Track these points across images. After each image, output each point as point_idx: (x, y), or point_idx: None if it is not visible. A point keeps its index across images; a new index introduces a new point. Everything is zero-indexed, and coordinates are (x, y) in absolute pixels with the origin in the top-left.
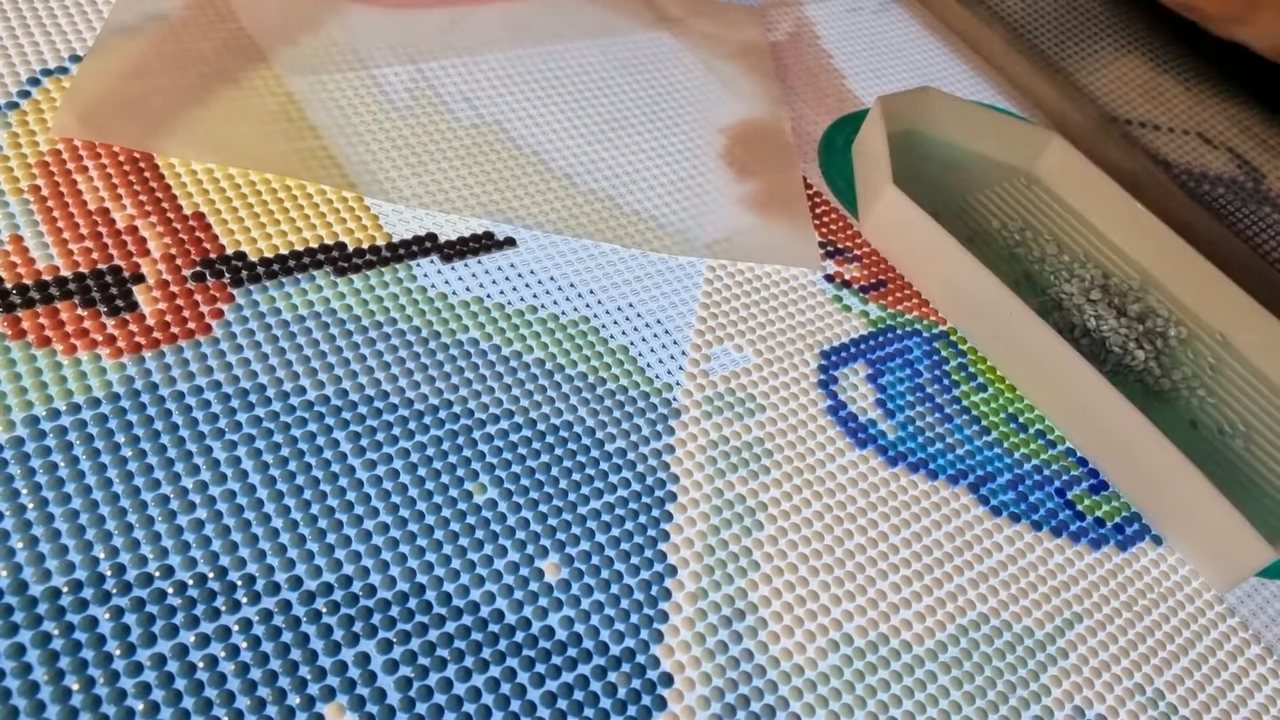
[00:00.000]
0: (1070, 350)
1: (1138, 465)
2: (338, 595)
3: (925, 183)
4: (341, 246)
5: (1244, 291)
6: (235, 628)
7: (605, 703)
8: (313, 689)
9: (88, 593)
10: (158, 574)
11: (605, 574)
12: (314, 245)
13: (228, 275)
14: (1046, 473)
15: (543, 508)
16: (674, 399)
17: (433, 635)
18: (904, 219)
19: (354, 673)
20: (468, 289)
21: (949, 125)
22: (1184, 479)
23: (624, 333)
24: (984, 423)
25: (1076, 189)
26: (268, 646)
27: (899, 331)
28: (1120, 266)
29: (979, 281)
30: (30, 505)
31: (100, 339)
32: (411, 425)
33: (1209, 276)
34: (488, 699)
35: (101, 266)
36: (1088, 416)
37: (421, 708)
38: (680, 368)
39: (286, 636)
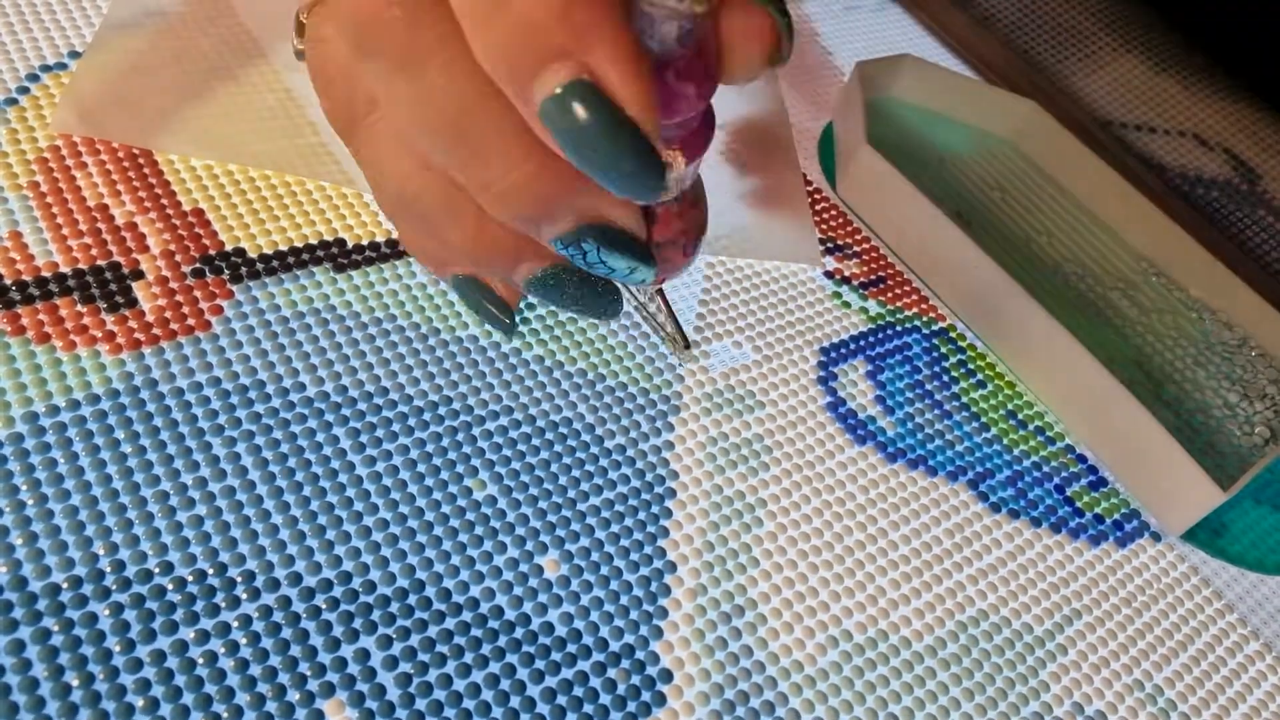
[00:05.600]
0: (1029, 298)
1: (1091, 408)
2: (337, 591)
3: (902, 148)
4: (341, 243)
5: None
6: (235, 624)
7: (605, 698)
8: (312, 685)
9: (87, 589)
10: (157, 570)
11: (604, 570)
12: (314, 241)
13: (227, 272)
14: (1046, 469)
15: (542, 504)
16: (673, 395)
17: (432, 631)
18: (877, 177)
19: (353, 669)
20: None
21: (928, 92)
22: (1136, 422)
23: (624, 328)
24: (983, 419)
25: (1051, 155)
26: (267, 643)
27: (899, 328)
28: (1090, 227)
29: (947, 236)
30: (30, 502)
31: (100, 335)
32: (411, 421)
33: (1168, 231)
34: (487, 695)
35: (101, 263)
36: (1042, 360)
37: (421, 704)
38: (680, 364)
39: (286, 633)
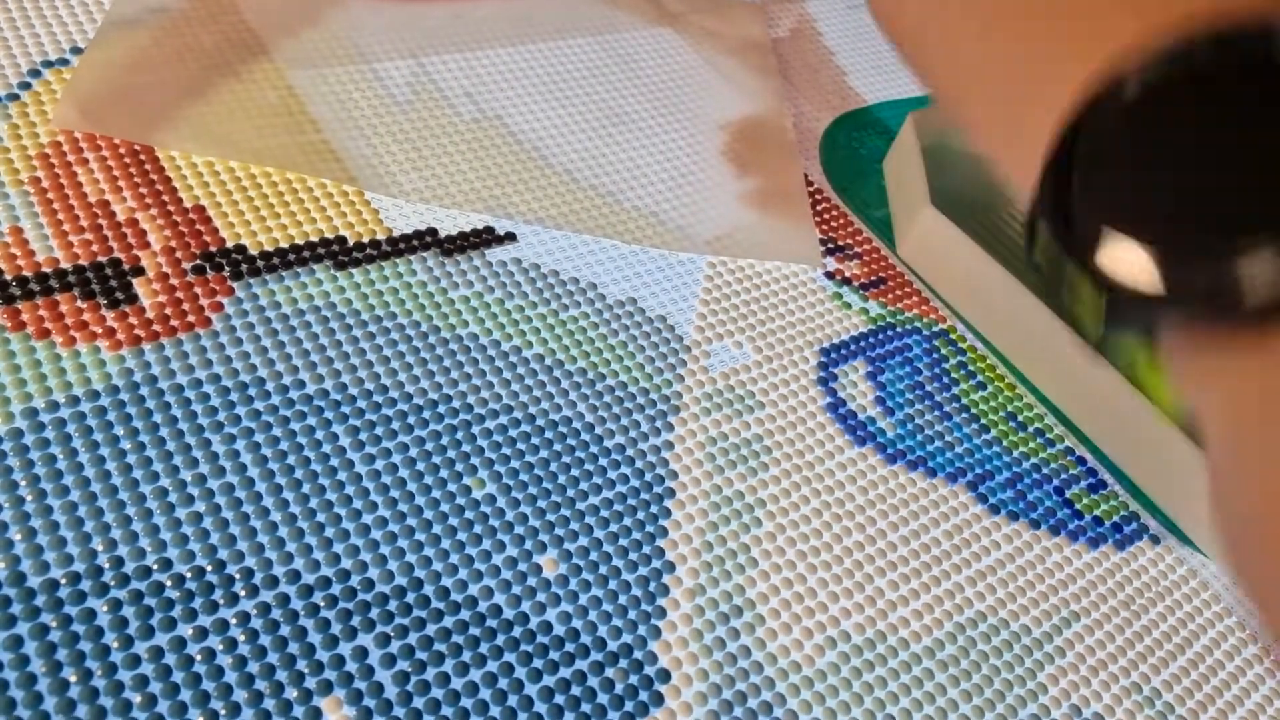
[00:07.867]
0: (1110, 368)
1: (1165, 468)
2: (336, 589)
3: (961, 198)
4: (342, 240)
5: None
6: (233, 621)
7: (603, 698)
8: (310, 683)
9: (86, 585)
10: (156, 567)
11: (603, 570)
12: (314, 239)
13: (228, 268)
14: (1045, 471)
15: (541, 503)
16: (673, 395)
17: (430, 630)
18: (943, 241)
19: (351, 667)
20: (469, 283)
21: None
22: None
23: (624, 328)
24: (983, 421)
25: None
26: (265, 640)
27: (899, 329)
28: None
29: (1017, 301)
30: (29, 497)
31: (100, 331)
32: (410, 420)
33: None
34: (485, 694)
35: (101, 259)
36: (1126, 431)
37: (419, 702)
38: (682, 363)
39: (284, 630)
